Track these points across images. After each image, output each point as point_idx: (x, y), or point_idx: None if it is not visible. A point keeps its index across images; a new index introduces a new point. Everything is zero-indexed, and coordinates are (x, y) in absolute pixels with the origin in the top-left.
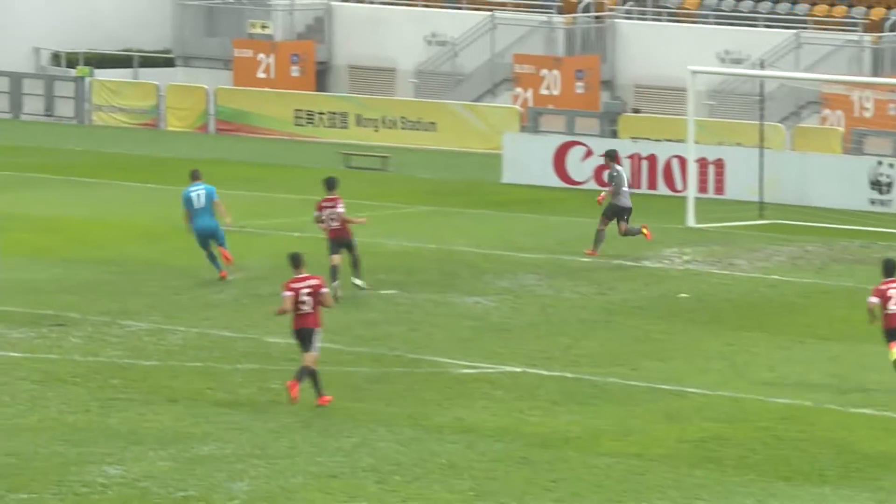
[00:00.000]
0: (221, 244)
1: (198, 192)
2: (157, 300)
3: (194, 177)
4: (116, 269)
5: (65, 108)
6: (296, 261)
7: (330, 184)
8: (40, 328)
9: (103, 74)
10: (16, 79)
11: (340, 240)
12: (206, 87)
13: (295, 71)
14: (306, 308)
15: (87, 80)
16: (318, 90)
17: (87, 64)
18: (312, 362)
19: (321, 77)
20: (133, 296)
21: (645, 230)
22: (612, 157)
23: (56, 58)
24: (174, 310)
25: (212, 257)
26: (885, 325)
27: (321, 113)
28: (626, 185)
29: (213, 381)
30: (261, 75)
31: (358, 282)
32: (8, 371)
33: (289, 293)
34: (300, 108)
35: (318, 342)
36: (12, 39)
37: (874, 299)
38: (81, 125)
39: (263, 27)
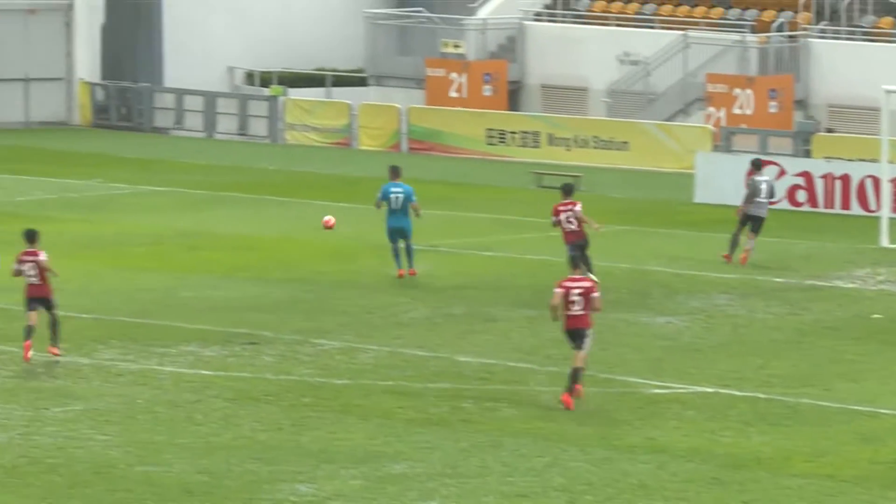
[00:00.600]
0: (408, 239)
1: (397, 195)
2: (350, 319)
3: (395, 173)
4: (309, 287)
5: (258, 127)
6: (574, 263)
7: (567, 189)
8: (233, 346)
9: (296, 93)
10: (210, 98)
11: (577, 243)
12: (398, 105)
13: (487, 90)
14: (577, 309)
15: (281, 99)
16: (510, 109)
17: (280, 83)
18: (582, 361)
19: (513, 96)
20: (325, 314)
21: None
22: (756, 165)
23: (250, 77)
24: (366, 328)
25: (396, 254)
26: None
27: (513, 132)
28: (764, 195)
29: (405, 400)
30: (453, 94)
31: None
32: (201, 389)
33: (559, 290)
34: (492, 128)
35: (589, 342)
36: (207, 59)
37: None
38: (274, 144)
39: (456, 46)
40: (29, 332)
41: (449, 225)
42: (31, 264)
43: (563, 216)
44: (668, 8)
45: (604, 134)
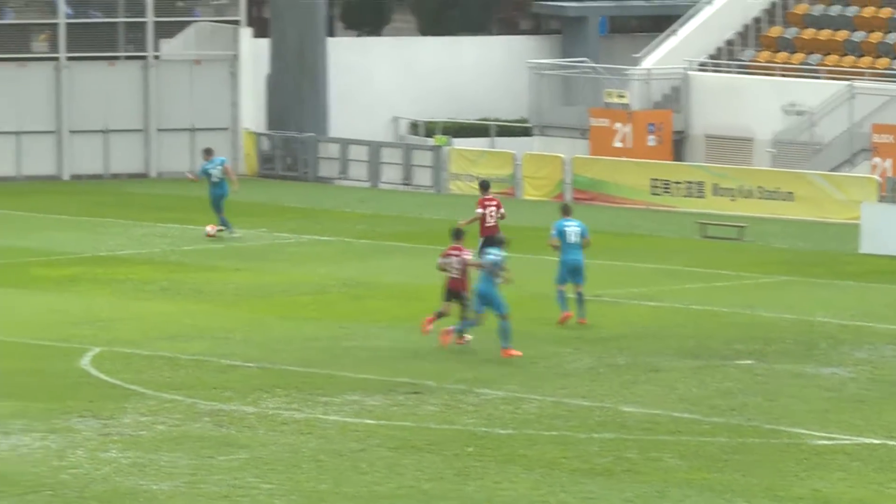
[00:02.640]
0: (581, 276)
1: (572, 229)
2: (513, 369)
3: (566, 211)
4: (473, 337)
5: (423, 177)
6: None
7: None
8: (396, 396)
9: (461, 143)
10: (375, 148)
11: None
12: (562, 155)
13: (651, 140)
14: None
15: (445, 148)
16: (674, 159)
17: (444, 133)
18: None
19: (678, 146)
20: (488, 364)
21: None
22: None
23: (414, 127)
24: (530, 378)
25: (562, 298)
26: None
27: (677, 182)
28: None
29: (569, 450)
30: (617, 144)
31: None
32: (365, 438)
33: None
34: (656, 178)
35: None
36: (372, 109)
37: None
38: (439, 193)
39: (620, 96)
40: (439, 315)
41: (613, 274)
42: (456, 259)
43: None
44: (833, 58)
45: (769, 184)
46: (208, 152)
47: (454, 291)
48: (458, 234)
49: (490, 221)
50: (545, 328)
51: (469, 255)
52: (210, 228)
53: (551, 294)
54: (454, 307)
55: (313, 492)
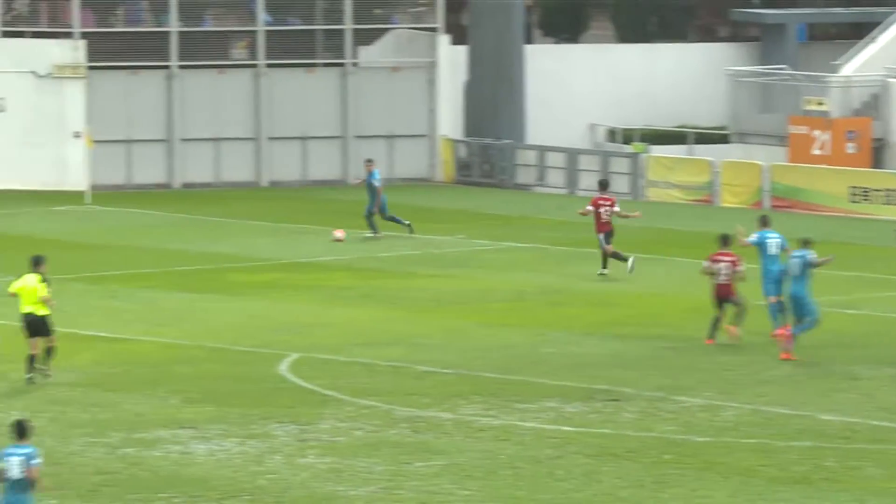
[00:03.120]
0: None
1: (773, 240)
2: (710, 376)
3: (764, 222)
4: (670, 344)
5: (620, 184)
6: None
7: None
8: (594, 403)
9: (658, 150)
10: (572, 155)
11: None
12: (760, 163)
13: (850, 147)
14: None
15: (643, 156)
16: (873, 167)
17: (642, 140)
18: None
19: (877, 153)
20: (686, 371)
21: None
22: None
23: (612, 134)
24: (728, 385)
25: (774, 310)
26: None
27: (877, 189)
28: None
29: (767, 458)
30: (816, 152)
31: None
32: (562, 445)
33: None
34: (856, 185)
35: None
36: (570, 116)
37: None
38: (636, 200)
39: (819, 104)
40: (716, 322)
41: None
42: (725, 264)
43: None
44: None
45: None
46: (370, 162)
47: (723, 297)
48: (725, 240)
49: (605, 218)
50: (743, 335)
51: (741, 266)
52: (339, 233)
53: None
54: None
55: (510, 498)
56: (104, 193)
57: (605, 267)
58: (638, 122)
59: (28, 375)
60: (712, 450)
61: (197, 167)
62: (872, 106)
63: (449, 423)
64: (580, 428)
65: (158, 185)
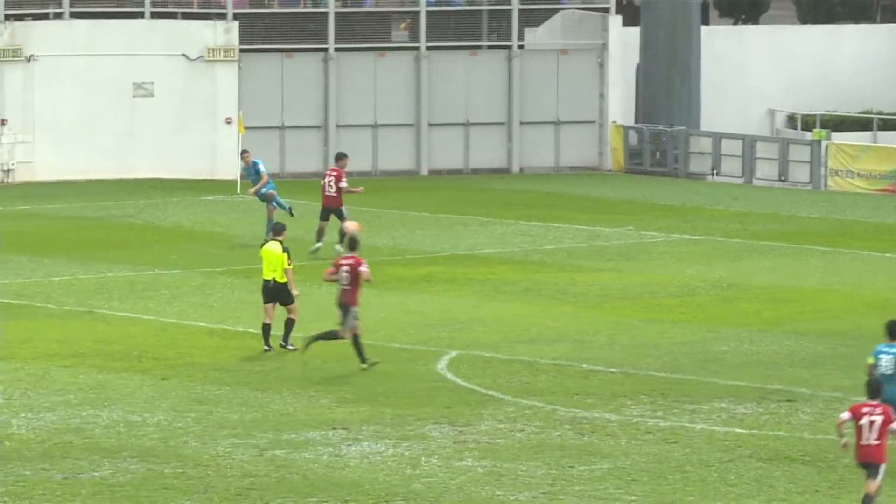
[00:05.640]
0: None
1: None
2: None
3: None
4: (850, 342)
5: (799, 173)
6: (873, 388)
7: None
8: (768, 403)
9: (840, 138)
10: (749, 142)
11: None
12: None
13: None
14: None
15: (824, 143)
16: None
17: (823, 127)
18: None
19: None
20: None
21: None
22: None
23: (791, 120)
24: None
25: None
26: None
27: None
28: None
29: None
30: None
31: None
32: (733, 448)
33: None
34: None
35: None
36: (746, 101)
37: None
38: (816, 191)
39: None
40: None
41: None
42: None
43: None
44: None
45: None
46: (247, 153)
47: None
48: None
49: (328, 191)
50: None
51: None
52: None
53: None
54: None
55: None
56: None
57: (340, 241)
58: (819, 107)
59: (266, 347)
60: (893, 453)
61: (354, 155)
62: None
63: (614, 425)
64: (753, 430)
65: (314, 174)
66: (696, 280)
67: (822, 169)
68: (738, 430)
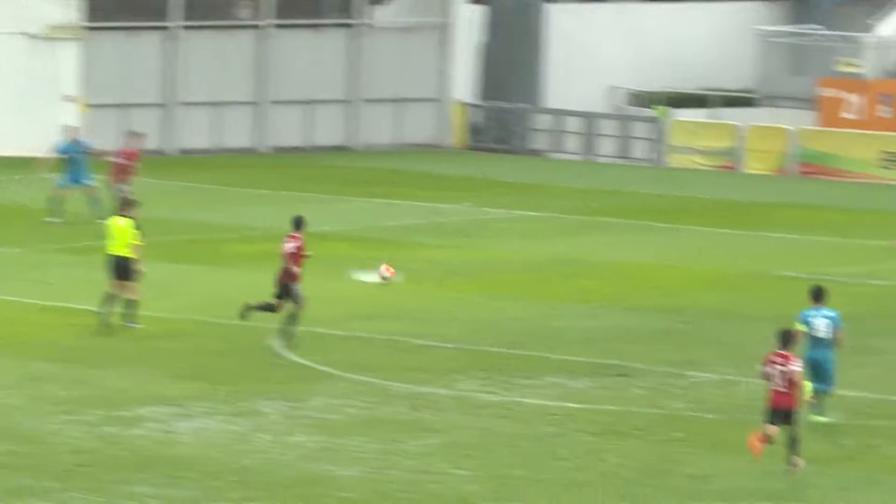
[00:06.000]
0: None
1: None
2: (726, 350)
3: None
4: (686, 317)
5: (640, 150)
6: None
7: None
8: (602, 378)
9: (681, 114)
10: (590, 119)
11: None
12: (788, 127)
13: (884, 111)
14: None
15: (665, 120)
16: None
17: (665, 104)
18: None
19: None
20: (701, 345)
21: None
22: None
23: (633, 97)
24: (745, 360)
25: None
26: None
27: None
28: None
29: (782, 437)
30: (847, 115)
31: None
32: (564, 423)
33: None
34: (888, 150)
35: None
36: (589, 78)
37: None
38: (657, 167)
39: (853, 65)
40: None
41: (837, 252)
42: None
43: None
44: None
45: None
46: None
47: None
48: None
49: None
50: (761, 309)
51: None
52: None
53: (767, 270)
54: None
55: (507, 478)
56: (98, 160)
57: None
58: (661, 84)
59: (100, 311)
60: (725, 428)
61: (195, 132)
62: None
63: (447, 400)
64: (585, 405)
65: (154, 152)
66: (536, 256)
67: (663, 145)
68: (571, 405)
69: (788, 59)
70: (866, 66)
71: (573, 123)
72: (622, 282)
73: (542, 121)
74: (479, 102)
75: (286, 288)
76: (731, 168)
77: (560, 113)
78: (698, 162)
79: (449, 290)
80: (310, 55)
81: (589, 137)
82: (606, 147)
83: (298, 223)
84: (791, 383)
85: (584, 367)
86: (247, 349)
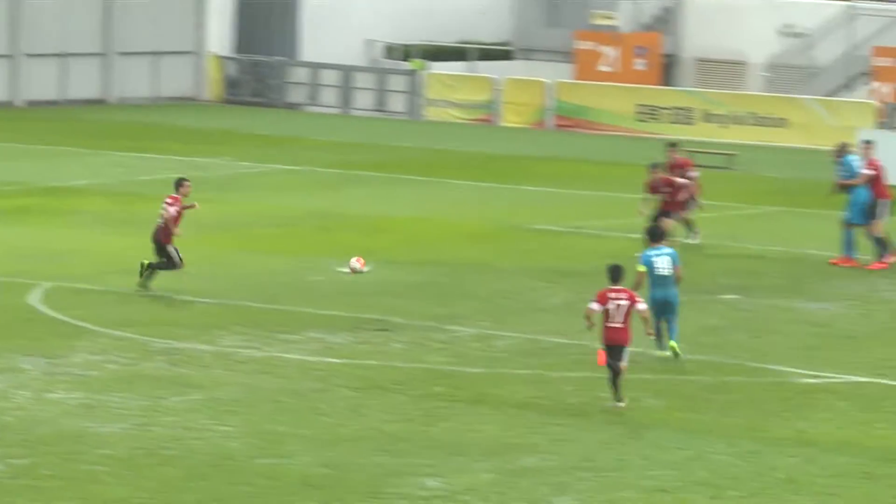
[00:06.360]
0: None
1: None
2: (486, 304)
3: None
4: (444, 271)
5: (397, 103)
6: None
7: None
8: (362, 333)
9: (438, 67)
10: (346, 72)
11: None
12: (545, 80)
13: (639, 64)
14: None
15: (422, 73)
16: (663, 84)
17: (421, 57)
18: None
19: (667, 70)
20: (461, 299)
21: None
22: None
23: (389, 50)
24: (503, 314)
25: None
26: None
27: (665, 108)
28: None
29: (542, 390)
30: (603, 68)
31: None
32: (327, 378)
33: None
34: (643, 103)
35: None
36: (345, 31)
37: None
38: (413, 120)
39: (608, 18)
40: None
41: (594, 205)
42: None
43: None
44: None
45: (761, 110)
46: None
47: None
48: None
49: None
50: (520, 262)
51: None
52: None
53: (523, 223)
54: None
55: (271, 434)
56: None
57: None
58: (418, 37)
59: None
60: (485, 381)
61: None
62: (663, 20)
63: (208, 356)
64: (346, 359)
65: None
66: (293, 210)
67: (420, 99)
68: (332, 360)
69: (544, 12)
70: (621, 19)
71: (329, 77)
72: (380, 236)
73: (299, 74)
74: (236, 55)
75: (161, 247)
76: (488, 121)
77: (316, 66)
78: (455, 115)
79: (207, 245)
80: (63, 8)
81: (345, 91)
82: (363, 100)
83: (178, 185)
84: (626, 320)
85: (344, 321)
86: (3, 305)
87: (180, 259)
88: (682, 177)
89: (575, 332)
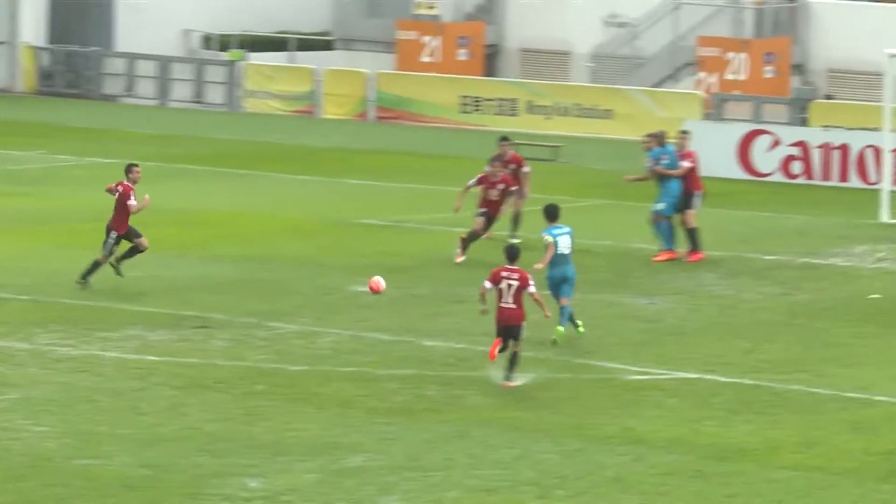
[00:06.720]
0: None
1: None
2: (308, 300)
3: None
4: (265, 266)
5: (215, 95)
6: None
7: None
8: (182, 330)
9: (257, 58)
10: (164, 63)
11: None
12: (366, 71)
13: (462, 54)
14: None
15: (240, 64)
16: (486, 75)
17: (240, 47)
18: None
19: (490, 61)
20: (282, 295)
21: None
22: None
23: (207, 41)
24: (326, 311)
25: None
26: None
27: (489, 99)
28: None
29: (366, 388)
30: (425, 59)
31: None
32: (146, 376)
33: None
34: (467, 95)
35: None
36: (161, 21)
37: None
38: (232, 112)
39: (430, 7)
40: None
41: (417, 199)
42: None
43: None
44: None
45: (586, 101)
46: None
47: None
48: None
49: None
50: (342, 257)
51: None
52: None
53: (346, 218)
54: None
55: (89, 434)
56: None
57: None
58: (235, 27)
59: None
60: (308, 379)
61: None
62: (486, 9)
63: (24, 354)
64: (166, 357)
65: None
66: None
67: (238, 90)
68: (151, 358)
69: (365, 1)
70: (443, 9)
71: (146, 67)
72: (199, 230)
73: (115, 65)
74: (50, 46)
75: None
76: (309, 113)
77: (133, 57)
78: (275, 107)
79: (22, 240)
80: None
81: (162, 82)
82: (181, 92)
83: (128, 171)
84: (518, 300)
85: (163, 318)
86: None
87: (110, 253)
88: (515, 174)
89: (399, 328)
